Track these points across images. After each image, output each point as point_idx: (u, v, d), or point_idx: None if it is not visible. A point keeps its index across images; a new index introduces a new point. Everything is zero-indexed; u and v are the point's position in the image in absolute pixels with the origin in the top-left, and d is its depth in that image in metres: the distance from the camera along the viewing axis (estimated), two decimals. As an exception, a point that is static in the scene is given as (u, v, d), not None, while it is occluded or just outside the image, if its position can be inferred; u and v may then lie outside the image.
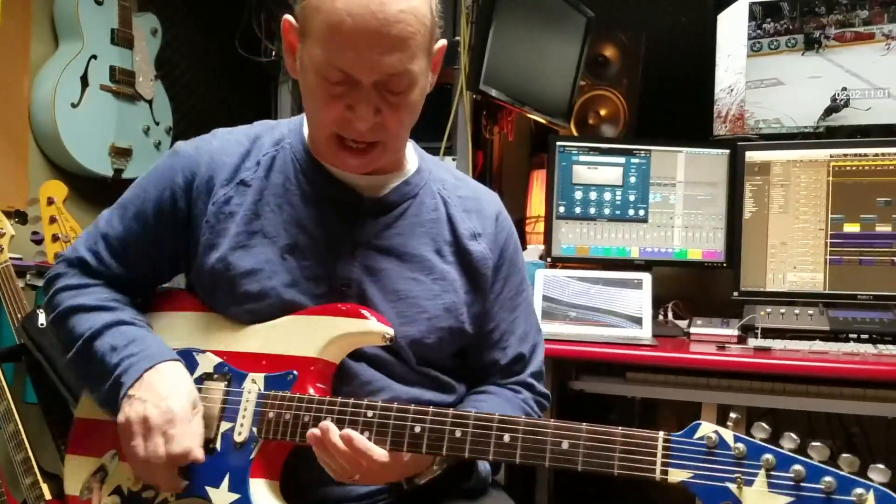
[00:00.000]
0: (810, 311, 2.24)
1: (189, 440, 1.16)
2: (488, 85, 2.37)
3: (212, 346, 1.29)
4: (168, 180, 1.31)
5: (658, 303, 2.44)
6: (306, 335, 1.23)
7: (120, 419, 1.19)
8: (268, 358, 1.24)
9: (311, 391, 1.19)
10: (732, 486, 0.94)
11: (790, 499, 0.91)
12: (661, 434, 0.99)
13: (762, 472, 0.93)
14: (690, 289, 2.69)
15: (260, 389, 1.22)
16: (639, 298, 2.30)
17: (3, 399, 2.02)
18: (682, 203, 2.50)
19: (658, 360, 2.07)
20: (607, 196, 2.49)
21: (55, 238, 2.25)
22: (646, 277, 2.31)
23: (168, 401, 1.18)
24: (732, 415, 0.97)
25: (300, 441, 1.15)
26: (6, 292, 2.10)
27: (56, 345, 1.96)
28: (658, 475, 0.97)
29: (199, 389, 1.25)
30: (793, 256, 2.36)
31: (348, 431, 1.09)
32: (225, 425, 1.22)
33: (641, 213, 2.49)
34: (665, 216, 2.49)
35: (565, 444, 1.02)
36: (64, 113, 2.54)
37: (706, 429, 0.97)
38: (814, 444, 0.91)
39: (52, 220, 2.26)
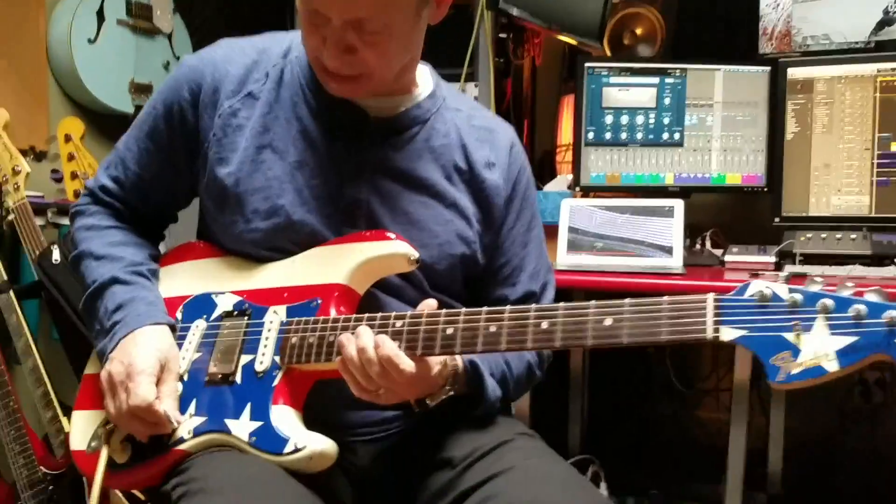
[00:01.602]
0: (853, 236, 2.12)
1: (146, 391, 1.11)
2: (509, 3, 2.23)
3: (230, 287, 1.24)
4: (175, 94, 1.26)
5: (696, 232, 2.34)
6: (330, 264, 1.17)
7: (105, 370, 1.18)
8: (290, 290, 1.18)
9: (334, 313, 1.13)
10: (789, 336, 0.87)
11: (854, 338, 0.85)
12: (710, 295, 0.92)
13: (820, 317, 0.87)
14: (729, 216, 2.57)
15: (282, 319, 1.16)
16: (669, 226, 2.18)
17: (22, 335, 1.99)
18: (719, 125, 2.36)
19: (687, 289, 1.92)
20: (640, 120, 2.36)
21: (74, 176, 2.19)
22: (677, 204, 2.19)
23: (131, 356, 1.14)
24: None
25: (325, 361, 1.09)
26: (24, 229, 2.06)
27: (70, 281, 1.92)
28: (710, 334, 0.90)
29: (219, 328, 1.20)
30: (837, 179, 2.22)
31: (380, 336, 1.03)
32: (245, 358, 1.16)
33: (676, 136, 2.36)
34: (702, 139, 2.36)
35: (608, 321, 0.95)
36: (81, 49, 2.46)
37: (757, 286, 0.91)
38: (871, 289, 0.87)
39: (71, 157, 2.20)
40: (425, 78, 1.28)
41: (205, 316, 1.22)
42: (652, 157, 2.37)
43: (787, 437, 2.50)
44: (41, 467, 1.93)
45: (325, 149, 1.21)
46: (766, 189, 2.36)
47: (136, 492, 1.66)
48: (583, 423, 2.70)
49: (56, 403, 1.97)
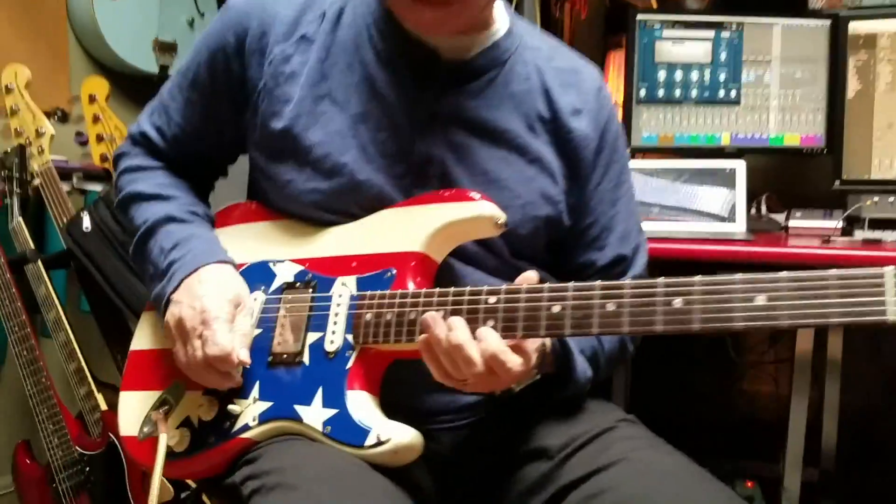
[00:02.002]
0: (921, 199, 1.96)
1: (225, 339, 0.98)
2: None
3: (290, 254, 1.09)
4: (219, 41, 1.11)
5: (748, 197, 2.17)
6: (404, 229, 1.02)
7: (164, 323, 1.05)
8: (359, 259, 1.03)
9: (412, 288, 0.98)
10: None
11: None
12: (889, 268, 0.74)
13: None
14: (784, 180, 2.41)
15: (352, 292, 1.01)
16: (730, 189, 2.03)
17: (52, 307, 1.86)
18: (777, 82, 2.19)
19: (755, 256, 1.76)
20: (694, 76, 2.19)
21: (100, 138, 2.04)
22: (738, 165, 2.04)
23: (203, 300, 1.01)
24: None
25: (406, 342, 0.94)
26: (50, 195, 1.92)
27: (102, 250, 1.79)
28: (893, 316, 0.73)
29: (280, 301, 1.06)
30: (902, 139, 2.07)
31: (483, 330, 0.88)
32: (313, 336, 1.01)
33: (733, 94, 2.19)
34: (759, 97, 2.19)
35: (760, 299, 0.78)
36: (103, 6, 2.30)
37: None
38: None
39: (96, 119, 2.05)
40: (500, 12, 1.11)
41: (263, 287, 1.08)
42: (707, 116, 2.20)
43: (841, 412, 2.37)
44: (76, 447, 1.80)
45: (393, 98, 1.06)
46: (825, 151, 2.19)
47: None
48: (626, 396, 2.58)
49: (91, 379, 1.84)
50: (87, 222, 1.81)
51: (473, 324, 0.89)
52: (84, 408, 1.84)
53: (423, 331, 0.90)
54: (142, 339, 1.17)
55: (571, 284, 0.87)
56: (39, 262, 1.88)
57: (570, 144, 1.10)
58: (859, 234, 1.88)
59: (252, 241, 1.13)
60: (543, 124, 1.09)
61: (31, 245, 1.90)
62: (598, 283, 0.85)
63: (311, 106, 1.06)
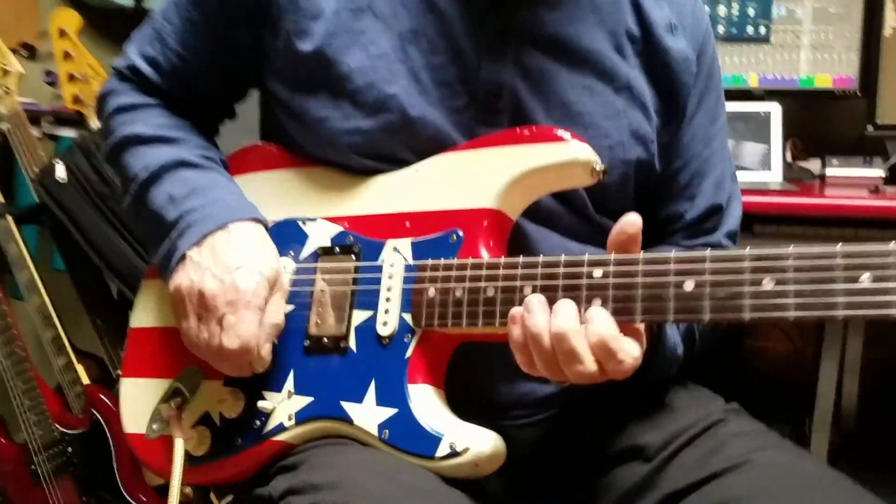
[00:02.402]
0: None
1: (250, 332, 0.78)
2: None
3: (324, 211, 0.87)
4: None
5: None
6: (472, 179, 0.80)
7: (171, 286, 0.83)
8: (413, 218, 0.82)
9: (486, 256, 0.78)
10: None
11: None
12: None
13: None
14: (809, 125, 2.21)
15: (407, 260, 0.80)
16: (764, 135, 1.85)
17: (25, 268, 1.61)
18: (810, 18, 1.99)
19: (795, 208, 1.58)
20: (721, 10, 1.98)
21: (71, 77, 1.77)
22: (773, 108, 1.86)
23: (236, 275, 0.79)
24: None
25: (484, 325, 0.74)
26: (20, 143, 1.66)
27: (79, 202, 1.56)
28: None
29: (315, 271, 0.85)
30: (943, 81, 1.89)
31: (593, 311, 0.68)
32: (360, 315, 0.81)
33: (762, 30, 1.99)
34: (790, 35, 1.99)
35: (866, 279, 0.60)
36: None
37: None
38: None
39: (67, 55, 1.78)
40: None
41: (291, 253, 0.86)
42: (734, 55, 1.99)
43: (863, 370, 2.23)
44: (56, 425, 1.58)
45: (452, 11, 0.84)
46: (858, 93, 1.99)
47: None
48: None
49: (69, 349, 1.61)
50: (60, 172, 1.57)
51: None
52: (63, 381, 1.61)
53: (514, 318, 0.70)
54: (146, 313, 0.95)
55: (708, 253, 0.66)
56: (9, 217, 1.63)
57: (668, 69, 0.88)
58: None
59: (274, 193, 0.91)
60: (633, 44, 0.88)
61: (1, 198, 1.65)
62: (748, 251, 0.65)
63: (348, 21, 0.84)
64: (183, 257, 0.83)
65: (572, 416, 0.87)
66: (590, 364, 0.66)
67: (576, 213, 0.87)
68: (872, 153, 1.87)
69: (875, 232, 1.57)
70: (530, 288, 0.72)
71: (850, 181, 1.83)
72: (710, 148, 0.94)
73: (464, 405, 0.78)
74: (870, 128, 1.91)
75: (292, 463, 0.79)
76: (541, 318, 0.68)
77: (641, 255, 0.69)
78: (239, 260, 0.80)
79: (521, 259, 0.73)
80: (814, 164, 1.97)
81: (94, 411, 1.58)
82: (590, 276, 0.70)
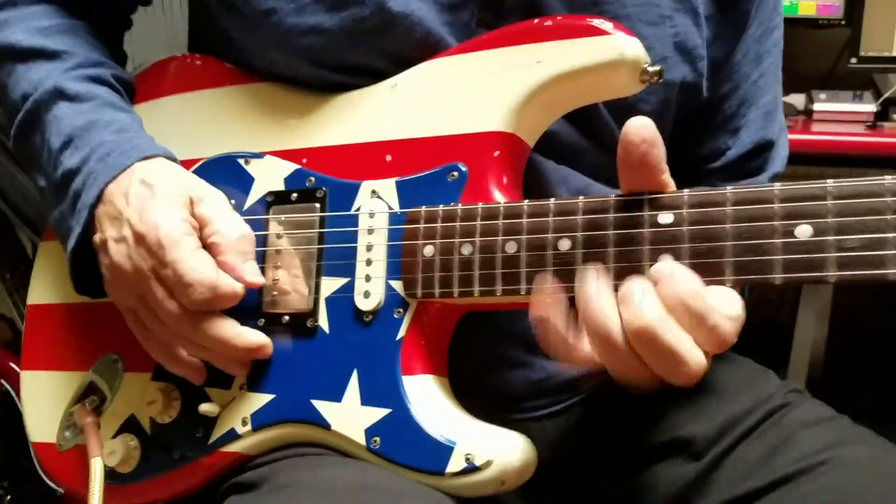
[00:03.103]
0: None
1: (200, 260, 0.57)
2: None
3: (274, 143, 0.64)
4: None
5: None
6: (474, 93, 0.57)
7: (104, 264, 0.60)
8: (395, 149, 0.59)
9: (500, 197, 0.56)
10: None
11: None
12: None
13: None
14: (789, 57, 2.01)
15: (392, 208, 0.58)
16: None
17: None
18: (796, -63, 1.76)
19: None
20: None
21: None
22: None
23: (149, 216, 0.57)
24: None
25: (504, 293, 0.52)
26: None
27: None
28: None
29: (265, 225, 0.62)
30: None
31: (664, 267, 0.47)
32: (331, 284, 0.58)
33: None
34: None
35: None
36: None
37: None
38: None
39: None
40: None
41: (231, 202, 0.63)
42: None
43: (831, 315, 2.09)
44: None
45: None
46: (842, 22, 1.79)
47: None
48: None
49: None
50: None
51: (630, 270, 0.49)
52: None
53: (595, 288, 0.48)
54: (46, 285, 0.72)
55: (831, 185, 0.46)
56: None
57: None
58: None
59: (202, 122, 0.67)
60: None
61: None
62: (888, 178, 0.45)
63: None
64: (78, 241, 0.61)
65: (601, 404, 0.67)
66: (695, 354, 0.45)
67: (601, 147, 0.65)
68: (854, 87, 1.69)
69: (871, 171, 1.43)
70: (568, 242, 0.50)
71: (839, 116, 1.66)
72: (762, 68, 0.72)
73: (462, 395, 0.58)
74: (853, 60, 1.73)
75: (250, 481, 0.58)
76: (607, 308, 0.47)
77: (729, 189, 0.48)
78: (142, 205, 0.58)
79: (552, 202, 0.52)
80: (796, 99, 1.77)
81: (3, 381, 1.33)
82: (654, 221, 0.49)
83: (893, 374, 1.96)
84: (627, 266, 0.49)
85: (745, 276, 0.46)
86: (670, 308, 0.45)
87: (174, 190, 0.58)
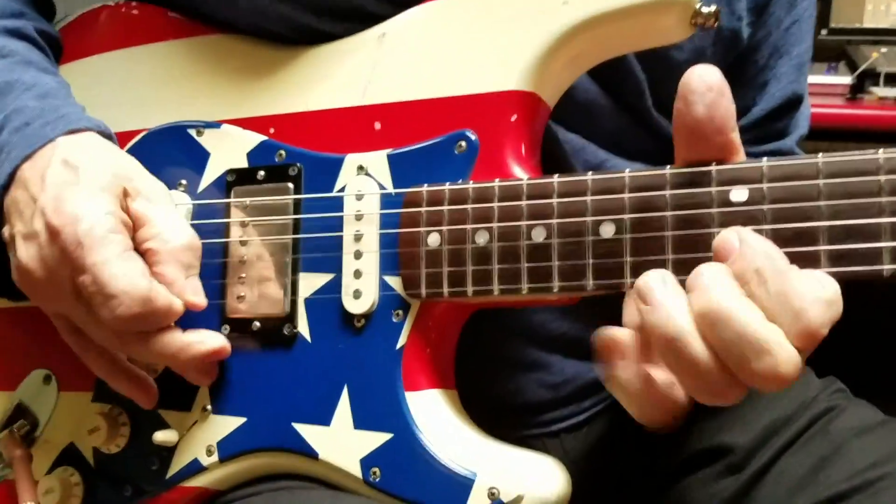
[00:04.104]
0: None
1: (123, 266, 0.44)
2: None
3: (232, 109, 0.51)
4: None
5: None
6: (482, 44, 0.45)
7: (13, 266, 0.48)
8: (386, 114, 0.47)
9: (520, 172, 0.44)
10: None
11: None
12: None
13: None
14: None
15: (384, 187, 0.46)
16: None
17: None
18: None
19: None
20: None
21: None
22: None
23: (68, 206, 0.44)
24: None
25: (530, 292, 0.41)
26: None
27: None
28: None
29: (225, 211, 0.50)
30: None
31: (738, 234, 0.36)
32: (311, 281, 0.47)
33: None
34: None
35: None
36: None
37: None
38: None
39: None
40: None
41: (182, 182, 0.51)
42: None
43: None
44: None
45: None
46: None
47: None
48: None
49: None
50: None
51: (696, 263, 0.37)
52: None
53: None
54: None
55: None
56: None
57: None
58: (879, 91, 1.48)
59: (142, 84, 0.54)
60: None
61: None
62: None
63: None
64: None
65: (620, 412, 0.57)
66: (785, 347, 0.34)
67: (625, 107, 0.54)
68: (827, 60, 1.62)
69: (852, 144, 1.36)
70: (612, 226, 0.40)
71: (815, 89, 1.57)
72: (795, 13, 0.61)
73: (473, 406, 0.47)
74: (824, 32, 1.66)
75: None
76: (676, 307, 0.36)
77: (821, 157, 0.37)
78: (62, 191, 0.44)
79: (590, 176, 0.41)
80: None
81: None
82: (725, 199, 0.38)
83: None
84: (692, 258, 0.38)
85: (845, 268, 0.36)
86: (747, 287, 0.35)
87: (104, 175, 0.45)
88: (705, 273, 0.35)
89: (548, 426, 0.54)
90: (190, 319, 0.46)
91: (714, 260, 0.36)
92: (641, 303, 0.36)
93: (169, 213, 0.47)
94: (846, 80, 1.54)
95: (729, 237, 0.36)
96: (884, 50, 1.56)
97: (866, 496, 0.47)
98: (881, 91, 1.48)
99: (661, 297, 0.36)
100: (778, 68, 0.62)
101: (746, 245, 0.35)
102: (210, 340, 0.46)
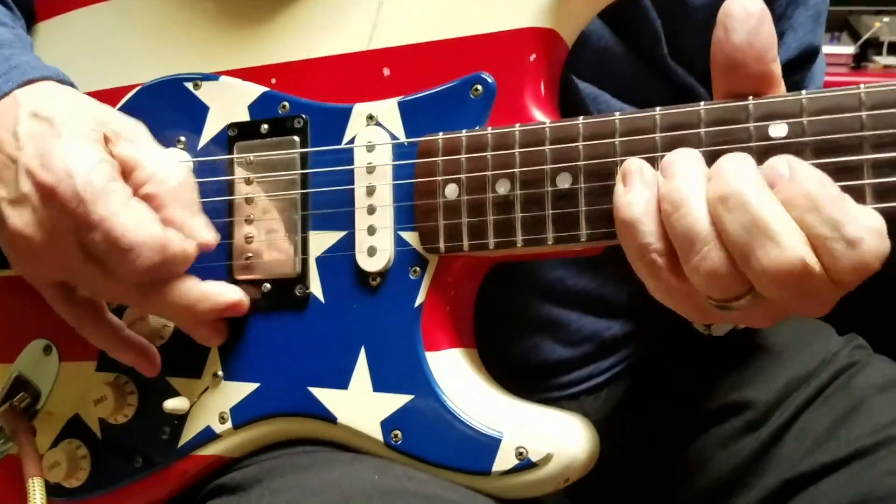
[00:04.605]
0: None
1: (137, 214, 0.41)
2: None
3: (231, 59, 0.48)
4: None
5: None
6: None
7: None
8: (394, 58, 0.44)
9: (541, 116, 0.41)
10: None
11: None
12: None
13: None
14: None
15: (396, 136, 0.43)
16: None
17: None
18: None
19: None
20: None
21: None
22: None
23: (56, 158, 0.41)
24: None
25: (556, 243, 0.39)
26: None
27: None
28: None
29: (228, 168, 0.47)
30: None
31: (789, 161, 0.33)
32: (322, 239, 0.44)
33: None
34: None
35: None
36: None
37: None
38: None
39: None
40: None
41: (181, 139, 0.48)
42: None
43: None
44: None
45: None
46: None
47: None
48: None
49: None
50: None
51: None
52: None
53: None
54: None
55: None
56: None
57: None
58: (882, 60, 1.45)
59: (134, 36, 0.50)
60: None
61: None
62: None
63: None
64: None
65: (645, 373, 0.54)
66: (797, 246, 0.32)
67: (640, 55, 0.51)
68: (829, 29, 1.59)
69: None
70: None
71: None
72: None
73: (490, 371, 0.45)
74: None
75: (237, 483, 0.45)
76: (691, 176, 0.34)
77: (863, 88, 0.35)
78: (59, 145, 0.41)
79: (617, 116, 0.38)
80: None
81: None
82: (764, 134, 0.35)
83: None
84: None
85: (891, 203, 0.34)
86: (796, 213, 0.32)
87: (83, 122, 0.42)
88: (729, 161, 0.33)
89: (567, 388, 0.53)
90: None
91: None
92: (660, 175, 0.34)
93: (156, 151, 0.44)
94: (849, 49, 1.52)
95: (777, 164, 0.33)
96: (886, 19, 1.53)
97: (888, 452, 0.45)
98: (885, 60, 1.46)
99: (681, 167, 0.34)
100: (795, 18, 0.59)
101: (797, 172, 0.33)
102: (229, 293, 0.44)
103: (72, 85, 0.46)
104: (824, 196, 0.32)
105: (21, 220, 0.41)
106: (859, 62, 1.47)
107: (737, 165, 0.33)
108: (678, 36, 0.52)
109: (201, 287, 0.43)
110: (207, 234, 0.43)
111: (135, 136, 0.44)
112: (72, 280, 0.43)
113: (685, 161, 0.34)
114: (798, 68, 0.61)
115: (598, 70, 0.50)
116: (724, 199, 0.32)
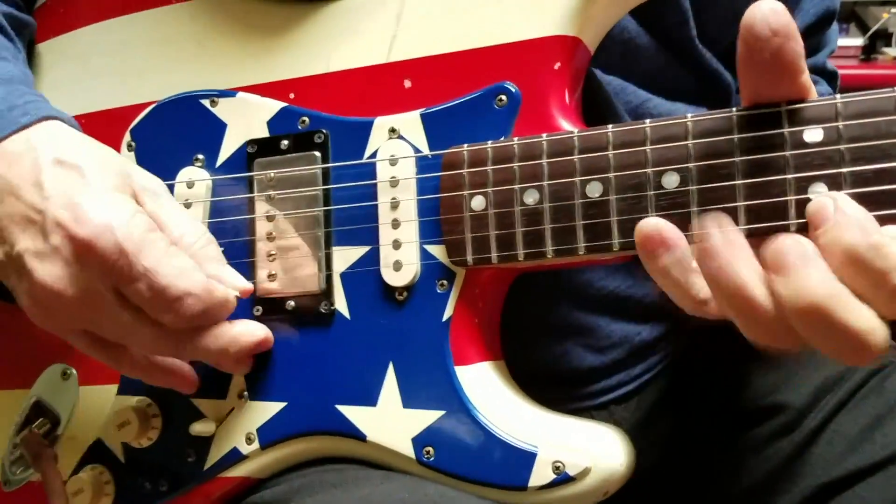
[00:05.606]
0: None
1: (182, 261, 0.40)
2: None
3: (248, 75, 0.46)
4: None
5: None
6: None
7: (22, 290, 0.42)
8: (416, 70, 0.43)
9: (567, 125, 0.40)
10: None
11: None
12: None
13: None
14: None
15: (420, 149, 0.42)
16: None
17: None
18: None
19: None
20: None
21: None
22: None
23: (97, 211, 0.39)
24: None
25: (589, 252, 0.38)
26: None
27: None
28: None
29: (249, 185, 0.46)
30: None
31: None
32: (346, 255, 0.43)
33: None
34: None
35: None
36: None
37: None
38: None
39: None
40: None
41: (199, 157, 0.47)
42: None
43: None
44: None
45: None
46: None
47: None
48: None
49: None
50: None
51: (771, 211, 0.34)
52: None
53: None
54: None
55: None
56: None
57: None
58: (891, 52, 1.45)
59: (147, 53, 0.49)
60: None
61: None
62: None
63: None
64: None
65: (675, 381, 0.53)
66: (880, 335, 0.31)
67: (666, 41, 0.50)
68: (837, 20, 1.61)
69: None
70: (676, 177, 0.36)
71: None
72: None
73: (517, 380, 0.43)
74: None
75: (266, 501, 0.44)
76: (743, 269, 0.32)
77: (898, 95, 0.34)
78: (85, 187, 0.39)
79: (647, 124, 0.37)
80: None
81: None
82: (799, 141, 0.35)
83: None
84: (767, 204, 0.35)
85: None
86: (836, 264, 0.32)
87: (111, 173, 0.41)
88: (791, 253, 0.31)
89: (597, 397, 0.51)
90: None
91: (809, 227, 0.33)
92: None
93: (178, 208, 0.43)
94: (858, 41, 1.52)
95: (822, 208, 0.32)
96: (894, 10, 1.54)
97: None
98: (894, 51, 1.46)
99: (727, 257, 0.33)
100: None
101: (842, 214, 0.32)
102: (257, 331, 0.43)
103: (77, 128, 0.44)
104: (869, 247, 0.31)
105: (51, 273, 0.39)
106: (868, 54, 1.47)
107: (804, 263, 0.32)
108: (706, 14, 0.50)
109: (232, 330, 0.42)
110: (245, 283, 0.43)
111: (159, 191, 0.43)
112: (97, 330, 0.41)
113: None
114: (816, 32, 0.60)
115: (623, 61, 0.49)
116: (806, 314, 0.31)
